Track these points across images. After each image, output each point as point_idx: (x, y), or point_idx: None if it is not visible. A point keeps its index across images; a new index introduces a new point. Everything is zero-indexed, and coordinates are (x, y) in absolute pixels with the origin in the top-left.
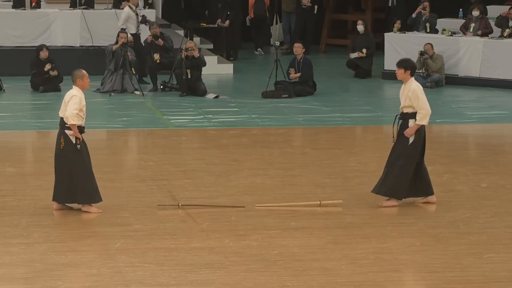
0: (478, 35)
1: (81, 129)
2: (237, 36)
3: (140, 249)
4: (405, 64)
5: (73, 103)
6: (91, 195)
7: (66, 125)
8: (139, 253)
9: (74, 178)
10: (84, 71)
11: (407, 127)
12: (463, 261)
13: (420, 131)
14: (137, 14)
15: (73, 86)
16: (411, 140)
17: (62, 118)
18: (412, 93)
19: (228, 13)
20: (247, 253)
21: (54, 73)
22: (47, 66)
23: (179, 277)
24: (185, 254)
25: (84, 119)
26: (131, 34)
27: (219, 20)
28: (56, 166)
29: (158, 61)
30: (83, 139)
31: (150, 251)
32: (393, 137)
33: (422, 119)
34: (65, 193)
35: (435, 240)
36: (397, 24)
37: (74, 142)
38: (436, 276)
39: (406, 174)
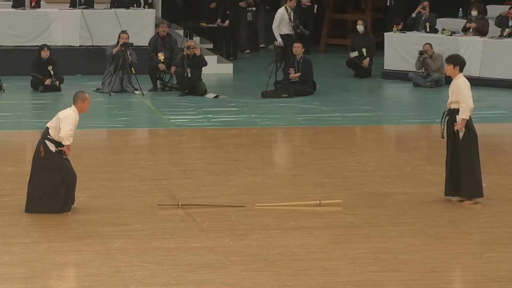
0: (478, 35)
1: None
2: (236, 35)
3: (140, 248)
4: (453, 60)
5: (68, 123)
6: (66, 204)
7: (49, 136)
8: (139, 252)
9: (55, 186)
10: (87, 95)
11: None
12: (463, 260)
13: (469, 125)
14: (290, 18)
15: (72, 105)
16: (461, 135)
17: (47, 128)
18: (457, 88)
19: (228, 12)
20: (246, 253)
21: (55, 85)
22: (48, 81)
23: (178, 276)
24: (185, 254)
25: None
26: (281, 34)
27: (219, 20)
28: (32, 174)
29: (162, 60)
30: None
31: (149, 251)
32: (442, 133)
33: (463, 112)
34: (43, 203)
35: (435, 240)
36: (399, 26)
37: (53, 151)
38: (436, 275)
39: (473, 170)
